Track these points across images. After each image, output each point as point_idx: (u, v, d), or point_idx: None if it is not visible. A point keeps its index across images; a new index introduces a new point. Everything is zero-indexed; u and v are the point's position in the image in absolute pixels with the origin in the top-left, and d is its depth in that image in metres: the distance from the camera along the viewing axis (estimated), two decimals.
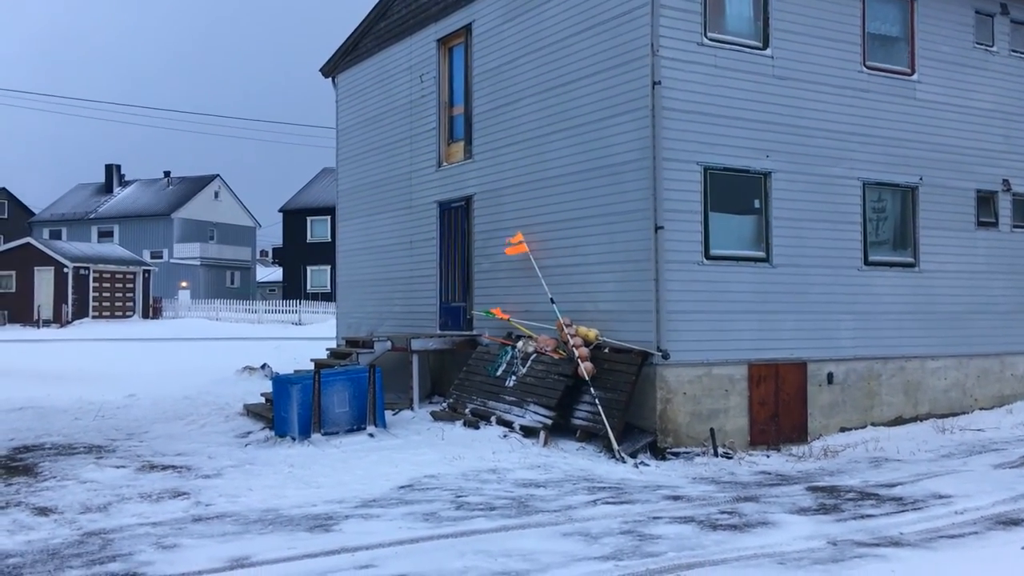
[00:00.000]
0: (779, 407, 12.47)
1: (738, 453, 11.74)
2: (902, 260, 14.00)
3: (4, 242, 60.22)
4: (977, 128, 14.76)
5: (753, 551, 6.98)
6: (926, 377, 14.05)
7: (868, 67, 13.61)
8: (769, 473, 10.66)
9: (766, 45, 12.68)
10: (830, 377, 13.00)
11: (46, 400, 16.10)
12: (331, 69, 19.82)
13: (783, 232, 12.71)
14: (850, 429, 13.03)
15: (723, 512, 8.32)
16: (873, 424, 13.28)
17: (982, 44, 14.87)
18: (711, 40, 12.20)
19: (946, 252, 14.39)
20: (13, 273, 46.97)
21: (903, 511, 8.43)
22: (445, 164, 16.25)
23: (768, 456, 11.78)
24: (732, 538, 7.37)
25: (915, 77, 14.12)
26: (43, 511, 8.24)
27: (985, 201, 14.91)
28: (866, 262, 13.53)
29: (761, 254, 12.58)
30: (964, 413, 14.22)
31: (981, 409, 14.47)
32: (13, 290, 46.84)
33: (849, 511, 8.42)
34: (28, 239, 49.37)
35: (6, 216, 73.79)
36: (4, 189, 74.74)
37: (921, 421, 13.73)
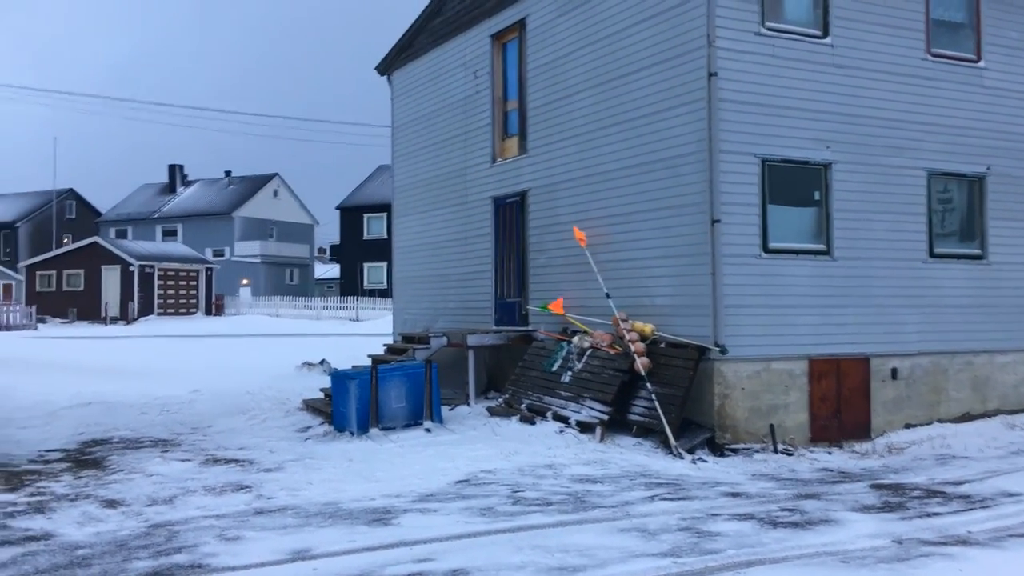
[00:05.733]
0: (841, 403, 12.23)
1: (798, 450, 11.55)
2: (969, 252, 13.63)
3: (72, 241, 62.01)
4: None
5: (815, 549, 6.86)
6: (995, 372, 13.66)
7: (932, 54, 13.26)
8: (831, 470, 10.47)
9: (826, 33, 12.43)
10: (894, 372, 12.71)
11: (113, 395, 16.51)
12: (386, 67, 19.97)
13: (844, 224, 12.46)
14: (915, 426, 12.73)
15: (784, 509, 8.20)
16: (939, 420, 12.96)
17: None
18: (769, 30, 12.00)
19: (1015, 243, 13.96)
20: (81, 272, 48.37)
21: (971, 509, 8.21)
22: (499, 160, 16.27)
23: (830, 453, 11.58)
24: (793, 536, 7.25)
25: (982, 64, 13.72)
26: (111, 503, 8.46)
27: None
28: (931, 254, 13.19)
29: (821, 247, 12.35)
30: None
31: None
32: (82, 288, 48.24)
33: (915, 509, 8.22)
34: (95, 238, 50.80)
35: (74, 216, 75.88)
36: (72, 190, 76.84)
37: (990, 417, 13.35)
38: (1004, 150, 13.88)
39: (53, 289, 49.08)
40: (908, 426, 12.69)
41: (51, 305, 48.22)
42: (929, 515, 7.98)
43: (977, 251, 13.69)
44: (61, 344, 30.57)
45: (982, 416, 13.37)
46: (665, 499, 8.59)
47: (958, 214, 13.69)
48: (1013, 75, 13.97)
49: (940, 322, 13.17)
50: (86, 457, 11.04)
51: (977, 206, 13.74)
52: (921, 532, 7.36)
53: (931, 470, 10.28)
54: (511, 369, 14.32)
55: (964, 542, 7.04)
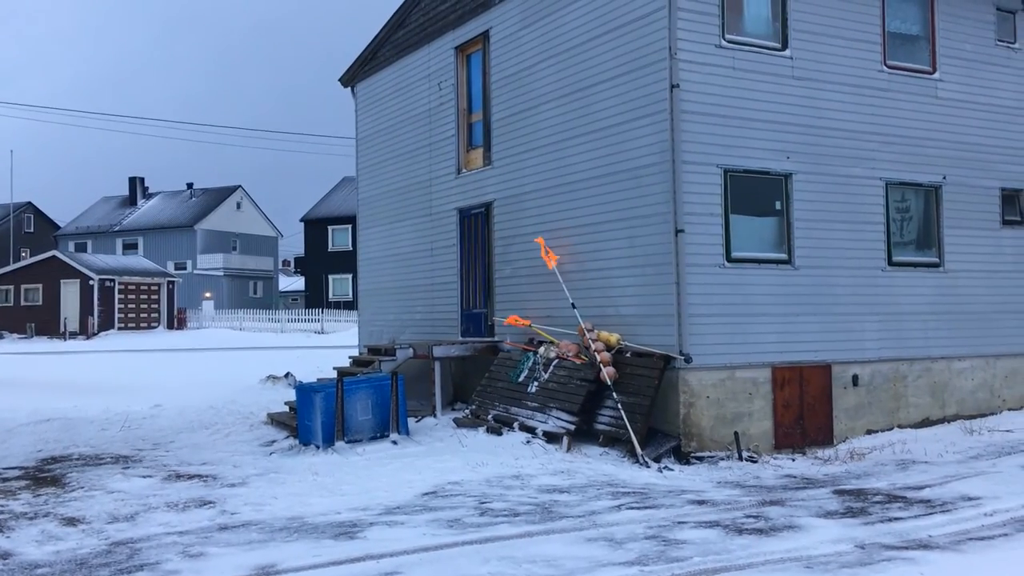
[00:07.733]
0: (804, 410, 12.38)
1: (763, 457, 11.66)
2: (926, 260, 13.87)
3: (30, 255, 60.95)
4: (1000, 126, 14.61)
5: (780, 555, 6.93)
6: (953, 378, 13.90)
7: (889, 66, 13.52)
8: (795, 476, 10.58)
9: (785, 46, 12.63)
10: (855, 379, 12.89)
11: (73, 411, 16.25)
12: (350, 79, 19.93)
13: (805, 233, 12.63)
14: (876, 431, 12.91)
15: (749, 516, 8.27)
16: (899, 426, 13.16)
17: (1004, 41, 14.73)
18: (729, 42, 12.16)
19: (971, 251, 14.24)
20: (40, 286, 47.54)
21: (931, 513, 8.34)
22: (464, 171, 16.29)
23: (793, 459, 11.70)
24: (758, 542, 7.32)
25: (936, 75, 14.00)
26: (71, 521, 8.32)
27: (1010, 199, 14.75)
28: (890, 262, 13.41)
29: (783, 256, 12.51)
30: (992, 414, 14.05)
31: (1009, 410, 14.30)
32: (40, 303, 47.40)
33: (876, 514, 8.34)
34: (54, 252, 49.96)
35: (32, 230, 74.70)
36: (30, 203, 75.66)
37: (948, 422, 13.58)
38: (959, 160, 14.16)
39: (11, 304, 48.19)
40: (869, 432, 12.87)
41: (9, 320, 47.35)
42: (891, 520, 8.10)
43: (934, 259, 13.94)
44: (19, 360, 30.02)
45: (941, 421, 13.59)
46: (632, 508, 8.63)
47: (915, 223, 13.94)
48: (967, 86, 14.28)
49: (899, 329, 13.39)
50: (45, 474, 10.84)
51: (934, 215, 14.00)
52: (883, 537, 7.46)
53: (892, 475, 10.43)
54: (478, 380, 14.31)
55: (925, 546, 7.15)
